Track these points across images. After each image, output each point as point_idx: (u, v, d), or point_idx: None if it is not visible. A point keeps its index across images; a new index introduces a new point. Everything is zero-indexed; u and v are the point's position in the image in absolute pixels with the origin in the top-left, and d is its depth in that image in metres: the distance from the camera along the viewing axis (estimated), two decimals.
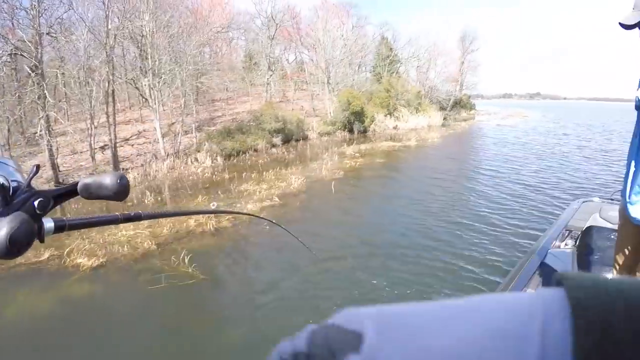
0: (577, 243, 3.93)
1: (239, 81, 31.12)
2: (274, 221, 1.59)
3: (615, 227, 4.04)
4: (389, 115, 30.61)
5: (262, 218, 1.65)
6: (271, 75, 31.37)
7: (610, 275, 2.78)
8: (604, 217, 4.36)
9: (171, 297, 5.58)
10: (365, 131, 27.69)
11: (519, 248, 6.73)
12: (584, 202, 5.50)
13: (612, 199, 5.46)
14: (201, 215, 8.74)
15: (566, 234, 4.54)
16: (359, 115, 27.16)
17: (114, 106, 16.66)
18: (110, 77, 16.26)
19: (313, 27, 32.64)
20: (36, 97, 14.43)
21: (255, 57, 34.69)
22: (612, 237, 3.52)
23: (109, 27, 16.13)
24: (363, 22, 41.12)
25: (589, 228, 3.93)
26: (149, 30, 17.62)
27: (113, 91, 16.92)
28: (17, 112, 15.61)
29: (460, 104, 45.42)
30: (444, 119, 36.29)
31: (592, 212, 4.66)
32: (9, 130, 16.59)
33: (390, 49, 39.69)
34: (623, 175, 2.46)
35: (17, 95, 15.33)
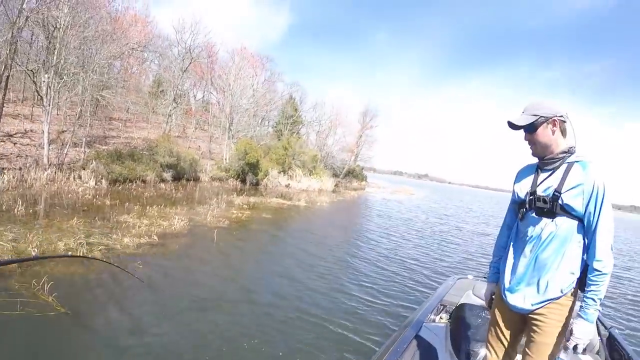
0: (450, 318, 4.15)
1: (141, 105, 30.49)
2: (114, 264, 1.84)
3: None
4: (283, 173, 31.52)
5: (96, 259, 1.83)
6: (175, 108, 31.15)
7: (483, 351, 3.06)
8: (476, 294, 4.61)
9: (25, 328, 5.16)
10: (257, 184, 28.19)
11: (394, 319, 6.99)
12: (459, 278, 5.85)
13: (485, 277, 5.58)
14: (72, 240, 8.45)
15: (441, 309, 4.81)
16: (254, 167, 27.68)
17: (4, 94, 15.46)
18: (10, 61, 15.11)
19: (226, 71, 33.20)
20: None
21: (163, 85, 34.46)
22: (484, 314, 3.73)
23: (24, 5, 15.17)
24: (275, 77, 42.86)
25: (462, 305, 4.06)
26: (64, 24, 16.88)
27: (8, 77, 15.65)
28: None
29: (353, 173, 48.22)
30: (336, 185, 38.20)
31: (466, 289, 4.91)
32: None
33: (296, 109, 41.54)
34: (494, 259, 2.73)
35: None
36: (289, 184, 30.95)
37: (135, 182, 17.84)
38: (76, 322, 5.57)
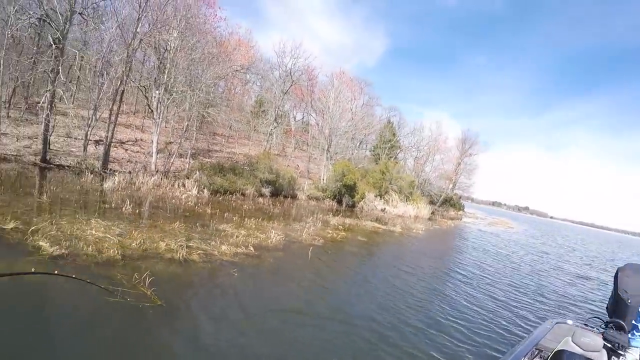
0: None
1: (244, 123, 31.54)
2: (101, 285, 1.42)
3: (587, 354, 3.92)
4: (379, 197, 30.82)
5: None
6: (275, 127, 31.83)
7: None
8: (576, 341, 4.16)
9: (122, 313, 5.24)
10: (353, 206, 27.77)
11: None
12: (557, 323, 5.35)
13: (586, 325, 5.31)
14: (173, 242, 8.45)
15: (536, 353, 4.44)
16: (351, 189, 27.33)
17: (119, 106, 16.64)
18: (125, 78, 16.35)
19: (326, 94, 33.46)
20: (50, 68, 14.45)
21: (264, 105, 35.45)
22: None
23: (138, 29, 16.48)
24: (374, 101, 42.62)
25: (560, 352, 3.77)
26: (174, 47, 17.97)
27: (123, 91, 16.95)
28: (27, 76, 15.58)
29: (450, 202, 46.32)
30: (432, 213, 36.67)
31: (564, 335, 4.48)
32: (14, 90, 16.50)
33: (394, 134, 40.87)
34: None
35: (32, 60, 15.36)
36: (384, 209, 30.14)
37: (235, 194, 18.13)
38: (169, 314, 5.58)
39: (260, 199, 19.32)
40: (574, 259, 26.93)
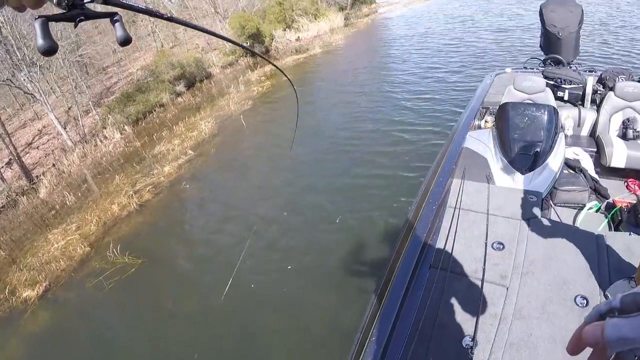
0: (495, 120, 3.82)
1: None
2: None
3: (532, 97, 4.08)
4: (288, 29, 29.63)
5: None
6: (154, 23, 29.27)
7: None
8: (518, 88, 4.24)
9: (120, 294, 5.52)
10: (267, 51, 26.82)
11: (443, 129, 6.96)
12: (496, 75, 5.41)
13: (525, 68, 5.32)
14: (122, 195, 8.43)
15: (484, 112, 4.54)
16: (257, 36, 26.11)
17: None
18: None
19: None
20: None
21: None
22: (530, 112, 3.45)
23: None
24: None
25: (505, 104, 3.74)
26: (7, 19, 15.70)
27: None
28: None
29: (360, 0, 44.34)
30: (345, 19, 35.41)
31: (506, 85, 4.53)
32: None
33: None
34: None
35: None
36: (298, 37, 29.02)
37: (154, 110, 17.39)
38: (154, 264, 5.94)
39: (180, 99, 18.59)
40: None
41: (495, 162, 3.27)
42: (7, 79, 17.17)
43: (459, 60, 12.32)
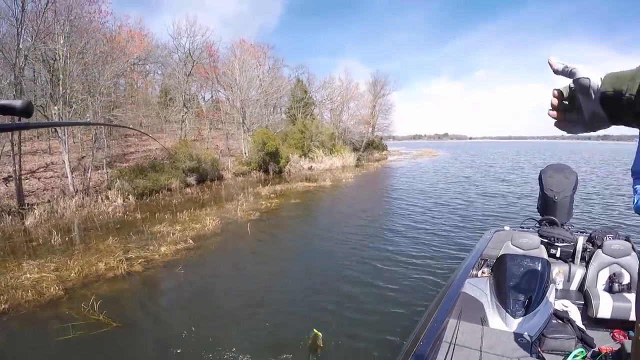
0: (492, 271, 4.17)
1: (153, 117, 30.65)
2: None
3: (528, 252, 4.41)
4: (303, 156, 31.39)
5: None
6: (186, 113, 31.10)
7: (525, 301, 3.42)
8: (515, 244, 4.60)
9: (82, 348, 5.33)
10: (280, 171, 28.15)
11: (440, 277, 7.18)
12: (496, 231, 5.90)
13: (522, 227, 5.87)
14: (112, 259, 8.54)
15: (482, 263, 4.91)
16: (274, 155, 27.62)
17: (20, 134, 15.73)
18: None
19: (230, 67, 32.88)
20: None
21: (170, 93, 34.37)
22: (525, 263, 3.85)
23: (21, 45, 15.44)
24: (280, 63, 42.52)
25: (503, 256, 4.12)
26: (62, 55, 16.95)
27: (20, 117, 15.84)
28: None
29: (373, 145, 47.90)
30: (358, 159, 37.91)
31: (504, 241, 4.89)
32: None
33: (305, 91, 41.05)
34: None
35: None
36: (311, 166, 30.84)
37: (161, 192, 17.98)
38: (128, 332, 5.75)
39: (188, 189, 19.29)
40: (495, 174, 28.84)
41: (491, 306, 3.56)
42: (40, 105, 17.96)
43: (458, 218, 13.03)
